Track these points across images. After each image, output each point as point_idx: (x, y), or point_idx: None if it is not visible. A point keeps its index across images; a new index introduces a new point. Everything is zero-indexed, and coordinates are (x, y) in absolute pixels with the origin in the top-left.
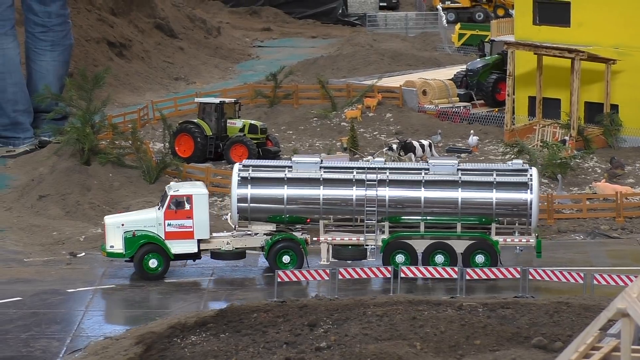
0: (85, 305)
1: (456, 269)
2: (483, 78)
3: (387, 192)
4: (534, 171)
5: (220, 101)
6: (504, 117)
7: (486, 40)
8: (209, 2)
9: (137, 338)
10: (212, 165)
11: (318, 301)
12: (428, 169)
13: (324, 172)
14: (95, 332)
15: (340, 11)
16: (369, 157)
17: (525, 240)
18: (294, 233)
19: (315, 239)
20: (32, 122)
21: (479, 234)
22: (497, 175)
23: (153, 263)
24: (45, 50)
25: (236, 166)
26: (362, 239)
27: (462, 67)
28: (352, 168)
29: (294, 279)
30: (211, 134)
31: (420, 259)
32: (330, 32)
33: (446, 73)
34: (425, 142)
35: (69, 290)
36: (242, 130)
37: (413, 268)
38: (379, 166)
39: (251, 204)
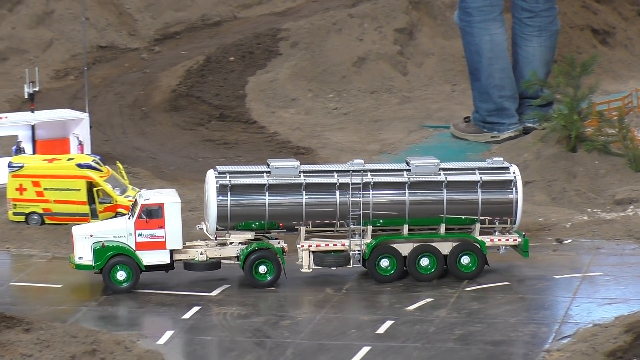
0: (573, 292)
1: None
2: None
3: (371, 195)
4: (516, 169)
5: None
6: None
7: None
8: None
9: (626, 326)
10: None
11: None
12: (409, 170)
13: (305, 176)
14: (583, 319)
15: None
16: None
17: (512, 239)
18: (270, 241)
19: (299, 245)
20: (517, 108)
21: (464, 234)
22: (480, 173)
23: (121, 275)
24: (531, 36)
25: (211, 173)
26: (347, 244)
27: None
28: (333, 171)
29: None
30: None
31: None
32: None
33: None
34: None
35: (556, 277)
36: None
37: None
38: (360, 168)
39: (232, 213)
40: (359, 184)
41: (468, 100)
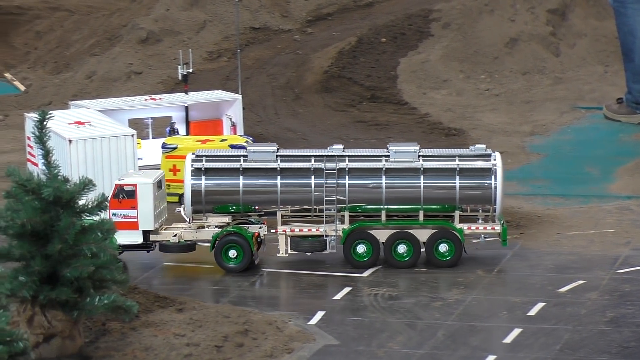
0: None
1: None
2: None
3: (346, 181)
4: (497, 156)
5: None
6: None
7: None
8: None
9: None
10: None
11: None
12: (388, 156)
13: (281, 161)
14: None
15: None
16: None
17: (490, 227)
18: (249, 226)
19: (272, 230)
20: None
21: (443, 222)
22: (459, 160)
23: None
24: None
25: (189, 156)
26: (322, 229)
27: None
28: (310, 156)
29: None
30: None
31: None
32: None
33: None
34: None
35: None
36: None
37: None
38: (338, 153)
39: (206, 196)
40: (333, 169)
41: (621, 81)
